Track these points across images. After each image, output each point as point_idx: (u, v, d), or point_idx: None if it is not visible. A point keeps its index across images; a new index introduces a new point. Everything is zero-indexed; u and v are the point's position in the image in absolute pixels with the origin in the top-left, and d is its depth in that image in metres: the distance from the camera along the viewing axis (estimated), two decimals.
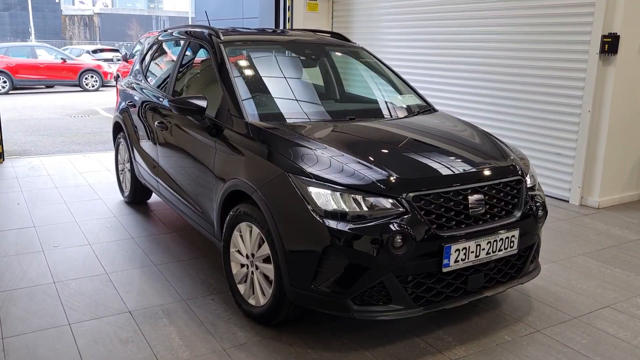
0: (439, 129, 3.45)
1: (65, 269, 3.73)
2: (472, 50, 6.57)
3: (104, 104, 14.09)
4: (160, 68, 4.80)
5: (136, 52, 12.53)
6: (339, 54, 4.23)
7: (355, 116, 3.50)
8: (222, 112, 3.43)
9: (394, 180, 2.66)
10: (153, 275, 3.67)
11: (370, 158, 2.82)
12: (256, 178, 2.90)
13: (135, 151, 4.77)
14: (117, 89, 5.15)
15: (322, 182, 2.65)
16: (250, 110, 3.30)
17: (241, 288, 3.11)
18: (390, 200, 2.60)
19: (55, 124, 10.39)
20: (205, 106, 3.40)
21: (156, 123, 4.16)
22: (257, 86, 3.63)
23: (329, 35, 4.54)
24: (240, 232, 3.07)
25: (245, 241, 3.03)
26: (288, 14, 8.30)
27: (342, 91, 4.09)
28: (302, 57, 4.05)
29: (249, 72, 3.74)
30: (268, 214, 2.76)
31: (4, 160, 6.80)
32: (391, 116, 3.73)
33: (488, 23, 6.35)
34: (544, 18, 5.72)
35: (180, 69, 4.19)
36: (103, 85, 18.59)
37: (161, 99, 4.25)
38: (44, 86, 18.07)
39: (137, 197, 5.14)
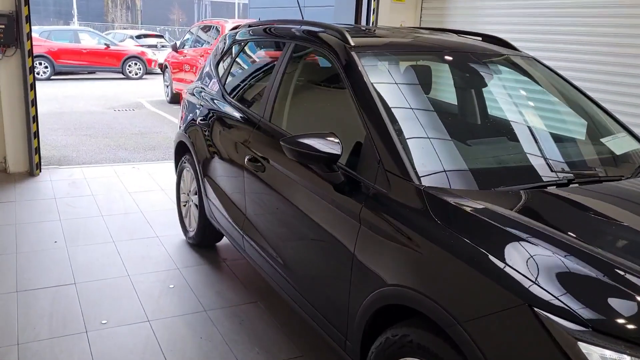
0: None
1: None
2: None
3: (148, 95, 13.07)
4: (248, 78, 3.60)
5: (186, 40, 11.43)
6: (506, 68, 2.94)
7: (576, 174, 2.23)
8: (365, 162, 2.21)
9: None
10: None
11: None
12: (454, 300, 1.68)
13: (207, 185, 3.60)
14: (180, 97, 3.89)
15: (612, 337, 1.41)
16: (421, 165, 2.07)
17: None
18: None
19: (98, 120, 9.36)
20: (339, 153, 2.19)
21: (247, 158, 2.97)
22: (419, 121, 2.38)
23: (480, 38, 3.26)
24: None
25: None
26: (373, 4, 7.01)
27: (529, 127, 2.78)
28: (466, 74, 2.79)
29: (403, 98, 2.49)
30: None
31: (40, 171, 5.73)
32: (619, 175, 2.37)
33: None
34: None
35: (282, 83, 2.97)
36: (147, 73, 17.63)
37: (253, 124, 3.05)
38: (85, 72, 17.19)
39: (205, 240, 3.98)
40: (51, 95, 12.20)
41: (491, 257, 1.65)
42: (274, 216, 2.77)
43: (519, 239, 1.70)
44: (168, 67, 11.67)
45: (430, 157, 2.16)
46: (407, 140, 2.16)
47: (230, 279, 3.60)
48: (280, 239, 2.72)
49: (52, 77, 15.84)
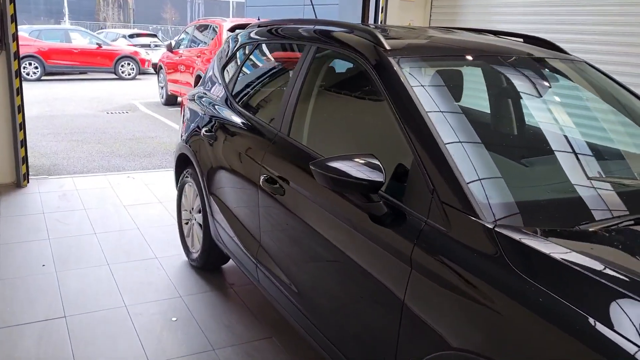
0: None
1: None
2: None
3: (142, 96, 12.64)
4: (260, 85, 3.22)
5: (181, 40, 11.02)
6: (561, 75, 2.57)
7: None
8: (414, 190, 1.84)
9: None
10: None
11: None
12: None
13: (213, 204, 3.22)
14: (181, 105, 3.53)
15: None
16: (489, 196, 1.69)
17: None
18: None
19: (90, 123, 8.93)
20: (382, 180, 1.82)
21: (262, 178, 2.59)
22: (481, 140, 1.99)
23: (522, 40, 2.89)
24: None
25: None
26: (382, 2, 6.63)
27: (604, 147, 2.36)
28: (523, 82, 2.41)
29: (456, 113, 2.11)
30: None
31: (28, 182, 5.32)
32: None
33: None
34: None
35: (302, 93, 2.59)
36: (140, 73, 17.19)
37: (269, 138, 2.67)
38: (77, 73, 16.72)
39: (209, 263, 3.60)
40: (41, 97, 11.76)
41: (595, 323, 1.28)
42: (296, 247, 2.39)
43: (631, 298, 1.33)
44: (163, 67, 11.26)
45: (498, 186, 1.78)
46: (468, 164, 1.78)
47: (240, 309, 3.22)
48: (304, 275, 2.34)
49: (43, 78, 15.38)
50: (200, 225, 3.53)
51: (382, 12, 6.67)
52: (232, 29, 3.87)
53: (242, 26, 3.77)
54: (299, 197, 2.33)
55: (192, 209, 3.66)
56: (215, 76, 3.63)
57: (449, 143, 1.84)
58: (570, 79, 2.50)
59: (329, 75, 2.64)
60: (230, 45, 3.59)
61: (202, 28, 10.29)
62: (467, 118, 2.05)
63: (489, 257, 1.54)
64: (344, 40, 2.44)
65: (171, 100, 11.28)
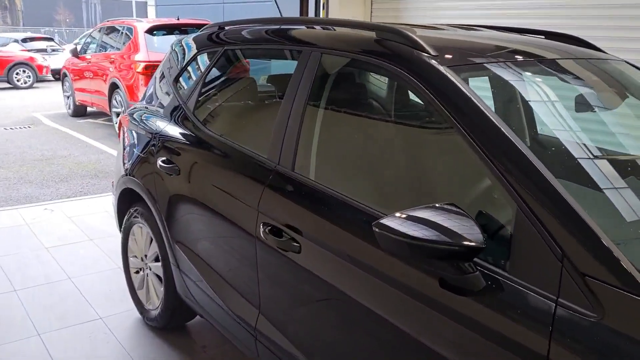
0: None
1: None
2: None
3: (44, 107, 11.32)
4: (239, 102, 2.57)
5: (88, 44, 9.92)
6: (624, 81, 2.14)
7: None
8: (525, 254, 1.31)
9: None
10: None
11: None
12: None
13: (180, 254, 2.54)
14: (119, 125, 2.79)
15: None
16: None
17: None
18: None
19: None
20: (482, 243, 1.28)
21: (262, 228, 1.96)
22: (606, 177, 1.50)
23: (543, 37, 2.46)
24: None
25: None
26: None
27: None
28: (587, 89, 1.95)
29: (560, 140, 1.61)
30: None
31: None
32: None
33: None
34: None
35: (307, 114, 1.99)
36: (38, 81, 15.60)
37: (264, 173, 2.05)
38: None
39: (174, 321, 2.91)
40: None
41: None
42: (325, 323, 1.79)
43: None
44: (68, 75, 10.10)
45: None
46: (610, 216, 1.28)
47: None
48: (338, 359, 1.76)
49: None
50: (159, 277, 2.83)
51: (323, 9, 6.14)
52: (150, 31, 3.17)
53: (163, 27, 3.10)
54: (325, 256, 1.74)
55: (146, 256, 2.95)
56: (165, 91, 2.94)
57: (575, 184, 1.34)
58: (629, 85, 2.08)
59: (345, 89, 2.06)
60: (186, 52, 2.90)
61: (111, 30, 9.28)
62: (575, 145, 1.55)
63: None
64: (364, 45, 1.88)
65: (80, 111, 10.16)
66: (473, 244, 1.27)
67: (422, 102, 1.68)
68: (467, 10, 5.87)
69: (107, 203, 4.99)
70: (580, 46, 2.31)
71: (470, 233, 1.29)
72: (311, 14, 6.28)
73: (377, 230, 1.36)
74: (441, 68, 1.63)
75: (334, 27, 2.14)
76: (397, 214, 1.37)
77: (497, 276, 1.35)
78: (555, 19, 5.04)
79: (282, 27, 2.30)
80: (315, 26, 2.21)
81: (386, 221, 1.36)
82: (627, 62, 2.31)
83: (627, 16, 4.59)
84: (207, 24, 3.12)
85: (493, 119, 1.46)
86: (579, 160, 1.51)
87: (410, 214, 1.35)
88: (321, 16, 6.23)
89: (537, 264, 1.29)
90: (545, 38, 2.41)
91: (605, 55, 2.24)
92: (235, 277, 2.20)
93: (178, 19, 8.52)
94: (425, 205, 1.37)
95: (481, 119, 1.48)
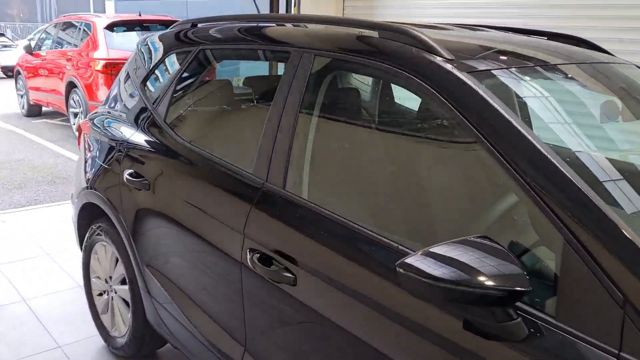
0: None
1: None
2: None
3: None
4: (218, 109, 2.31)
5: (42, 40, 9.41)
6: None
7: None
8: (577, 300, 1.11)
9: None
10: None
11: None
12: None
13: (151, 278, 2.27)
14: (79, 131, 2.48)
15: None
16: None
17: None
18: None
19: None
20: (526, 286, 1.07)
21: (249, 255, 1.71)
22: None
23: (545, 38, 2.29)
24: None
25: None
26: None
27: None
28: (610, 97, 1.77)
29: (607, 161, 1.41)
30: None
31: None
32: None
33: None
34: None
35: (300, 123, 1.75)
36: None
37: (249, 192, 1.80)
38: None
39: (143, 349, 2.63)
40: None
41: None
42: None
43: None
44: (21, 72, 9.57)
45: None
46: None
47: None
48: None
49: None
50: (126, 302, 2.55)
51: (295, 6, 5.89)
52: (109, 27, 2.89)
53: (123, 23, 2.83)
54: (327, 290, 1.51)
55: (110, 278, 2.66)
56: (131, 95, 2.65)
57: (626, 212, 1.14)
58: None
59: (343, 96, 1.83)
60: (154, 52, 2.61)
61: (68, 26, 8.80)
62: (624, 164, 1.36)
63: None
64: (366, 46, 1.65)
65: (34, 111, 9.63)
66: (518, 289, 1.07)
67: (436, 112, 1.46)
68: (443, 9, 5.73)
69: (65, 212, 4.63)
70: (590, 48, 2.14)
71: (512, 273, 1.08)
72: (282, 10, 6.03)
73: (401, 270, 1.14)
74: (460, 74, 1.42)
75: (326, 26, 1.91)
76: (423, 251, 1.15)
77: (538, 321, 1.14)
78: (530, 18, 4.95)
79: (267, 25, 2.05)
80: (304, 24, 1.96)
81: (412, 260, 1.14)
82: (638, 66, 2.16)
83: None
84: (173, 21, 2.85)
85: (527, 135, 1.26)
86: (631, 185, 1.32)
87: (439, 252, 1.13)
88: (292, 12, 5.98)
89: (591, 309, 1.09)
90: (548, 39, 2.24)
91: (616, 59, 2.08)
92: (217, 308, 1.95)
93: (140, 15, 8.13)
94: (454, 239, 1.16)
95: (514, 134, 1.27)
